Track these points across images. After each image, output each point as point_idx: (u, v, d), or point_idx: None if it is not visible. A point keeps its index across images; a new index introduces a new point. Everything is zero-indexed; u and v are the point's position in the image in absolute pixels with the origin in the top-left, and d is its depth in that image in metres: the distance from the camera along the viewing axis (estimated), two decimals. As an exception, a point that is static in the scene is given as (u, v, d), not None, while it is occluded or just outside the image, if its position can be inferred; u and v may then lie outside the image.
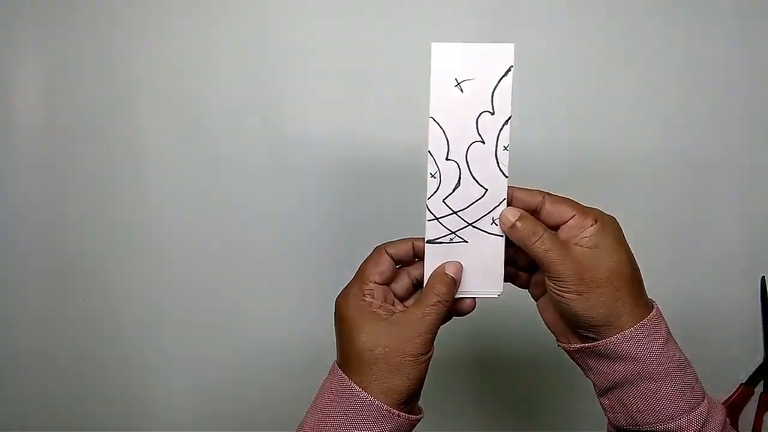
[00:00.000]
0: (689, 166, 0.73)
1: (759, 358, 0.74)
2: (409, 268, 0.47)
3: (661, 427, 0.41)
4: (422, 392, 0.44)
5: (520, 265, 0.48)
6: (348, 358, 0.43)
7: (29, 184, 0.75)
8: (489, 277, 0.46)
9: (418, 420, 0.44)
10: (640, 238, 0.73)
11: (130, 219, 0.75)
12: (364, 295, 0.44)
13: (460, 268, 0.45)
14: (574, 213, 0.44)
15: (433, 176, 0.44)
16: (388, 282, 0.46)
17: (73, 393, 0.78)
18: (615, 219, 0.45)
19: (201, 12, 0.72)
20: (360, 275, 0.45)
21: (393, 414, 0.41)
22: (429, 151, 0.44)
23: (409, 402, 0.43)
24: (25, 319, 0.76)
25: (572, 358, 0.47)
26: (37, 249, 0.75)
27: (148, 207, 0.75)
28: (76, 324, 0.76)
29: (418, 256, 0.46)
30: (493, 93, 0.45)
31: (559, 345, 0.48)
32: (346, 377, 0.42)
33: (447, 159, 0.44)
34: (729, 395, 0.74)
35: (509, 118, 0.45)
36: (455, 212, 0.45)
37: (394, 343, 0.41)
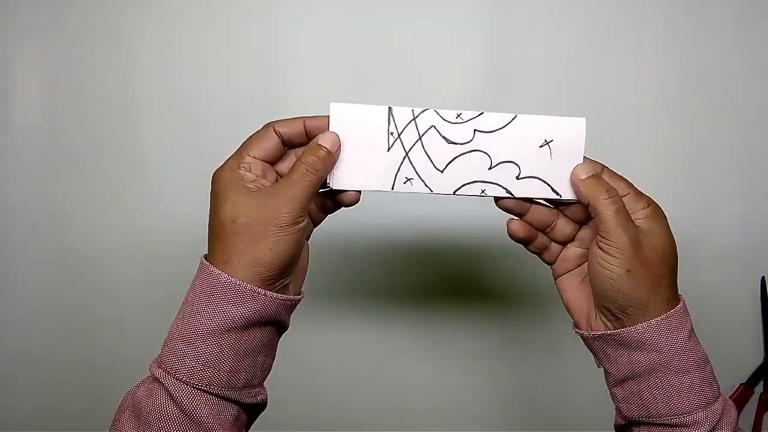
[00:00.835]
0: (689, 165, 0.73)
1: (759, 358, 0.74)
2: (299, 150, 0.44)
3: (675, 421, 0.41)
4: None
5: (558, 236, 0.47)
6: (212, 234, 0.41)
7: (29, 184, 0.75)
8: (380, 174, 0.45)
9: (296, 302, 0.42)
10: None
11: (130, 219, 0.75)
12: (239, 168, 0.42)
13: (336, 139, 0.43)
14: (630, 191, 0.44)
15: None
16: (271, 161, 0.43)
17: (73, 393, 0.78)
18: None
19: (201, 12, 0.72)
20: (241, 149, 0.43)
21: (257, 293, 0.39)
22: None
23: (278, 279, 0.41)
24: (25, 319, 0.76)
25: (588, 346, 0.46)
26: (37, 249, 0.75)
27: (148, 207, 0.75)
28: (76, 324, 0.76)
29: (310, 137, 0.44)
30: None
31: (576, 332, 0.46)
32: (206, 262, 0.40)
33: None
34: (729, 395, 0.74)
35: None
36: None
37: (257, 212, 0.39)
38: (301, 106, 0.74)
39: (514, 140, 0.45)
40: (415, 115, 0.44)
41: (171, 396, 0.38)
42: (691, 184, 0.73)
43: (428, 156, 0.45)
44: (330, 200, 0.46)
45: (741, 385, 0.74)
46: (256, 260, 0.39)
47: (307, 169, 0.41)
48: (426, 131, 0.45)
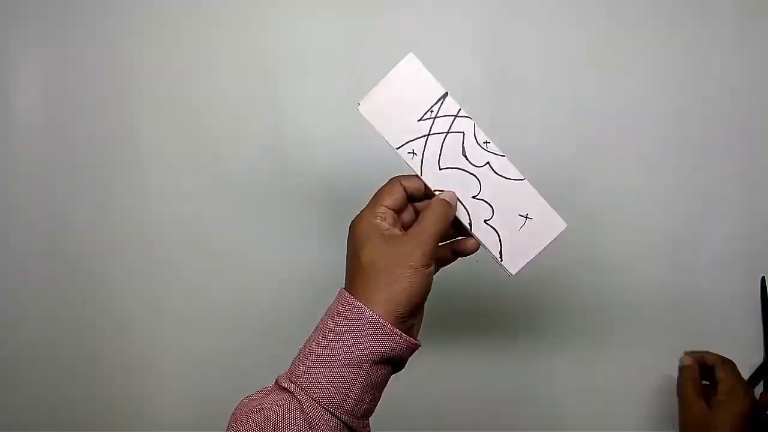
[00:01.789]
0: (689, 166, 0.73)
1: (759, 359, 0.74)
2: (417, 204, 0.50)
3: None
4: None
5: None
6: (352, 274, 0.46)
7: (29, 184, 0.75)
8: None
9: (417, 347, 0.46)
10: (640, 238, 0.74)
11: (130, 219, 0.75)
12: (374, 218, 0.47)
13: (454, 195, 0.49)
14: None
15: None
16: (399, 210, 0.49)
17: (73, 393, 0.78)
18: None
19: (201, 12, 0.72)
20: (374, 200, 0.48)
21: (394, 332, 0.43)
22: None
23: (409, 318, 0.45)
24: (25, 319, 0.76)
25: None
26: (38, 249, 0.75)
27: (148, 207, 0.75)
28: (76, 324, 0.76)
29: (428, 196, 0.50)
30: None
31: None
32: (349, 295, 0.45)
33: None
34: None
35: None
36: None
37: (393, 256, 0.44)
38: (301, 106, 0.75)
39: (507, 193, 0.49)
40: (457, 114, 0.49)
41: (303, 410, 0.42)
42: (691, 185, 0.73)
43: (441, 150, 0.49)
44: (450, 252, 0.52)
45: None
46: (393, 299, 0.44)
47: (436, 219, 0.47)
48: (455, 132, 0.49)
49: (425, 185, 0.49)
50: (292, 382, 0.43)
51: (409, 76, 0.48)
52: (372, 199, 0.49)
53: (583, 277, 0.72)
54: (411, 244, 0.45)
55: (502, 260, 0.50)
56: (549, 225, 0.49)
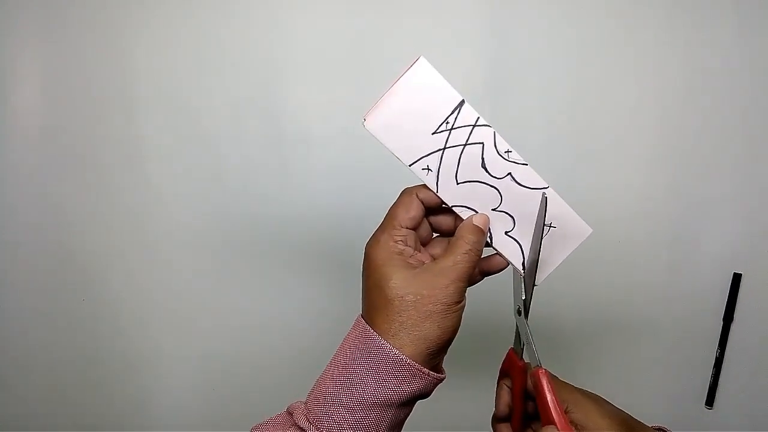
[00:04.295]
0: (689, 166, 0.73)
1: (760, 357, 0.74)
2: (431, 216, 0.46)
3: None
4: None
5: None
6: (376, 307, 0.41)
7: (29, 184, 0.75)
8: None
9: (441, 380, 0.43)
10: (639, 238, 0.74)
11: (130, 219, 0.75)
12: (396, 242, 0.42)
13: (487, 220, 0.44)
14: None
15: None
16: (417, 227, 0.44)
17: (73, 393, 0.78)
18: None
19: (201, 12, 0.72)
20: (391, 220, 0.43)
21: (422, 372, 0.40)
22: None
23: (440, 354, 0.42)
24: (26, 319, 0.76)
25: None
26: (38, 249, 0.75)
27: (148, 207, 0.75)
28: (76, 324, 0.76)
29: (447, 208, 0.45)
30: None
31: None
32: (371, 331, 0.40)
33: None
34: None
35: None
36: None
37: (426, 290, 0.40)
38: (301, 106, 0.75)
39: (529, 202, 0.45)
40: (476, 123, 0.44)
41: None
42: (691, 185, 0.73)
43: (458, 164, 0.44)
44: (478, 272, 0.47)
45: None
46: (425, 336, 0.40)
47: (469, 249, 0.42)
48: (474, 143, 0.44)
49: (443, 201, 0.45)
50: (311, 423, 0.39)
51: (421, 84, 0.43)
52: (387, 218, 0.44)
53: (583, 278, 0.72)
54: (444, 278, 0.41)
55: (524, 271, 0.46)
56: (574, 232, 0.46)
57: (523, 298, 0.46)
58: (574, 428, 0.42)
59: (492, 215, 0.45)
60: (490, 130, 0.44)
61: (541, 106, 0.72)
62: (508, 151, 0.44)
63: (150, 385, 0.78)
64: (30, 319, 0.76)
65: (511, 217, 0.45)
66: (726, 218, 0.73)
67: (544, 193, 0.44)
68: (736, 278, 0.73)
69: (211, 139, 0.74)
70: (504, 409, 0.47)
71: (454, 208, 0.45)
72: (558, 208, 0.45)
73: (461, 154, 0.44)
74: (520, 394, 0.46)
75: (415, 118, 0.43)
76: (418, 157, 0.44)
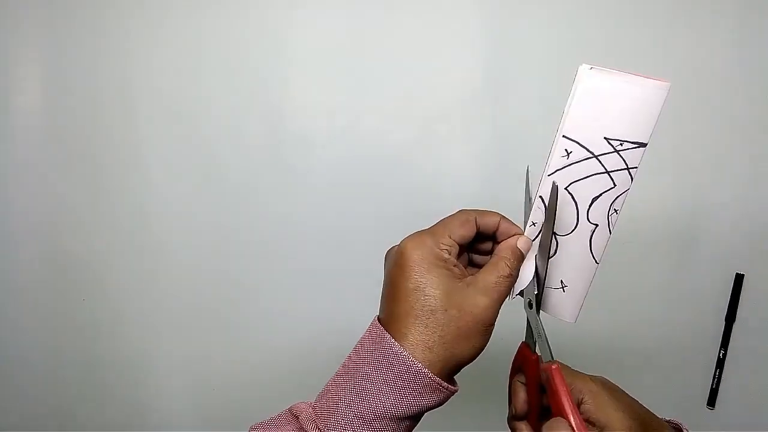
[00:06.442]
0: (691, 167, 0.73)
1: (759, 358, 0.74)
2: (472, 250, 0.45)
3: None
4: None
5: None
6: (404, 312, 0.38)
7: (29, 184, 0.75)
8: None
9: (455, 392, 0.41)
10: (642, 239, 0.74)
11: (130, 219, 0.75)
12: (439, 249, 0.40)
13: (530, 246, 0.42)
14: None
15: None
16: (462, 246, 0.42)
17: (74, 393, 0.78)
18: None
19: (201, 13, 0.72)
20: (442, 228, 0.41)
21: (443, 387, 0.38)
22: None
23: (458, 371, 0.40)
24: (26, 319, 0.76)
25: None
26: (38, 249, 0.75)
27: (149, 207, 0.75)
28: (76, 324, 0.76)
29: (500, 234, 0.43)
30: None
31: None
32: (395, 342, 0.38)
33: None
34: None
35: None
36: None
37: (469, 308, 0.38)
38: (301, 106, 0.75)
39: (571, 262, 0.44)
40: (630, 167, 0.42)
41: None
42: (690, 186, 0.73)
43: (584, 177, 0.43)
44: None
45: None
46: (460, 356, 0.38)
47: (510, 273, 0.40)
48: (613, 177, 0.43)
49: (498, 225, 0.42)
50: (321, 431, 0.38)
51: (646, 98, 0.41)
52: (438, 225, 0.41)
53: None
54: (487, 298, 0.39)
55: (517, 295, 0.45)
56: (566, 308, 0.45)
57: (536, 292, 0.45)
58: (587, 427, 0.41)
59: (538, 235, 0.43)
60: (629, 186, 0.42)
61: (541, 107, 0.72)
62: (617, 211, 0.43)
63: (150, 385, 0.78)
64: (30, 319, 0.76)
65: (546, 266, 0.44)
66: (728, 219, 0.73)
67: (554, 182, 0.42)
68: (739, 279, 0.72)
69: (211, 139, 0.74)
70: (522, 406, 0.45)
71: (536, 198, 0.43)
72: (582, 280, 0.44)
73: (596, 173, 0.42)
74: (535, 390, 0.45)
75: (613, 114, 0.41)
76: (581, 140, 0.42)
